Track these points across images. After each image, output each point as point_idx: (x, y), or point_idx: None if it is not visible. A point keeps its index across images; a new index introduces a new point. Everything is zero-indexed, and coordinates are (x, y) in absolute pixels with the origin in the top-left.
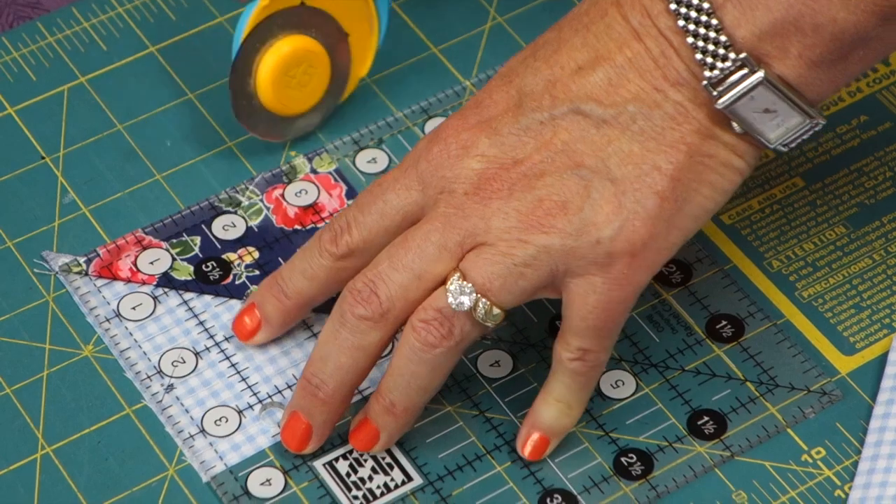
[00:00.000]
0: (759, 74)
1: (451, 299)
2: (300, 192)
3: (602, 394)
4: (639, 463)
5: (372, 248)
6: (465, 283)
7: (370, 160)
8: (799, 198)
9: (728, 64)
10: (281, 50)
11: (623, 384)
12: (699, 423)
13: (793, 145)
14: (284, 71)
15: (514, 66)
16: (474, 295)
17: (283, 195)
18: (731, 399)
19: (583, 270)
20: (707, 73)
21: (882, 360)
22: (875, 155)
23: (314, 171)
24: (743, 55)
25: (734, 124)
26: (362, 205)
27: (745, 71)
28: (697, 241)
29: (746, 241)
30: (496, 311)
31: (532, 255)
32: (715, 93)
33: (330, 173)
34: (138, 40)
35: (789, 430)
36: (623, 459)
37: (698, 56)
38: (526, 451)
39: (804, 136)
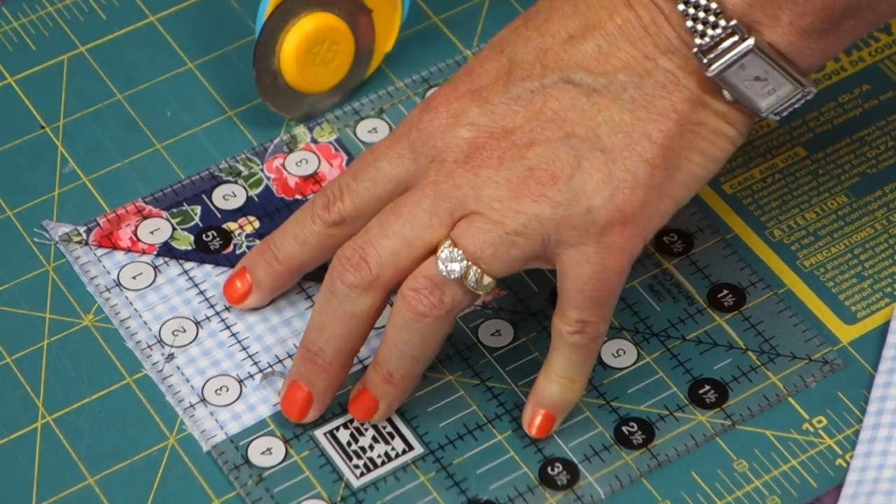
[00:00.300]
0: (750, 42)
1: (441, 267)
2: (301, 161)
3: (603, 363)
4: (640, 432)
5: (364, 215)
6: (456, 250)
7: (371, 130)
8: (801, 167)
9: (718, 31)
10: (304, 28)
11: (624, 353)
12: (700, 392)
13: (784, 114)
14: (308, 49)
15: (505, 35)
16: (465, 262)
17: (283, 165)
18: (732, 368)
19: (575, 241)
20: (697, 41)
21: (883, 330)
22: (877, 124)
23: (315, 141)
24: (733, 22)
25: (725, 92)
26: (355, 172)
27: (735, 38)
28: (699, 210)
29: (748, 211)
30: (487, 279)
31: (524, 223)
32: (705, 60)
33: (330, 143)
34: (138, 9)
35: (790, 399)
36: (624, 428)
37: (689, 23)
38: (533, 429)
39: (796, 105)
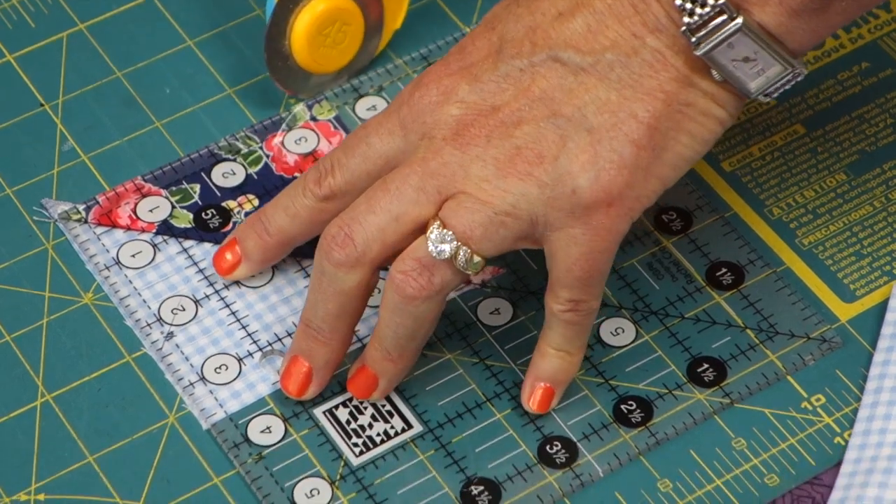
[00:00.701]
0: (738, 21)
1: (431, 247)
2: (300, 139)
3: (602, 341)
4: (638, 410)
5: (354, 190)
6: (445, 230)
7: (370, 108)
8: (799, 145)
9: (707, 10)
10: (315, 9)
11: (623, 332)
12: (699, 370)
13: (775, 95)
14: (319, 30)
15: (498, 11)
16: (455, 243)
17: (282, 143)
18: (730, 346)
19: (562, 223)
20: (686, 19)
21: (882, 308)
22: (876, 102)
23: (314, 119)
24: (722, 1)
25: (714, 72)
26: (347, 147)
27: (724, 17)
28: (698, 188)
29: (747, 189)
30: (477, 258)
31: (512, 203)
32: (694, 39)
33: (330, 121)
34: None
35: (789, 378)
36: (623, 407)
37: (678, 1)
38: (533, 404)
39: (786, 87)
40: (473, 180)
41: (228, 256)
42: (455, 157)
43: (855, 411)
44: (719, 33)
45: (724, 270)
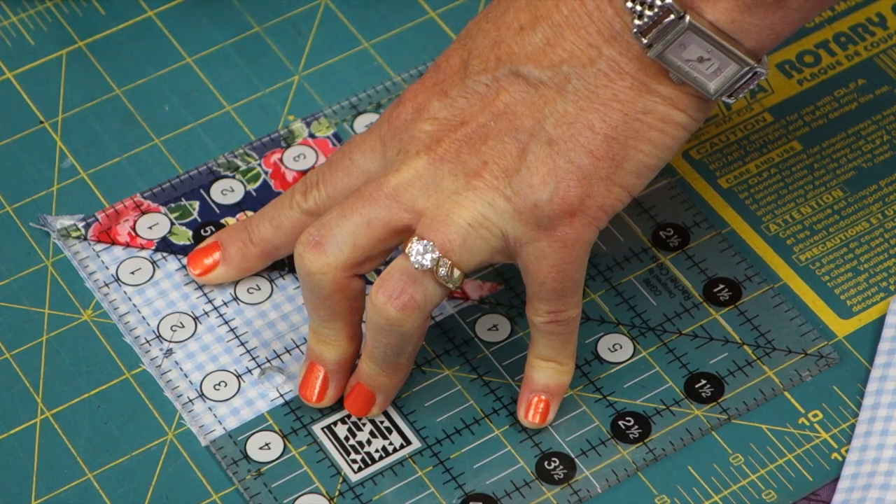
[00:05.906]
0: (685, 21)
1: (413, 259)
2: (298, 156)
3: (600, 357)
4: (636, 426)
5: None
6: (426, 241)
7: (368, 124)
8: (796, 161)
9: (655, 11)
10: None
11: (621, 348)
12: (696, 386)
13: (740, 96)
14: None
15: (469, 27)
16: (436, 253)
17: (281, 159)
18: (728, 362)
19: (529, 237)
20: (636, 22)
21: (879, 323)
22: (872, 118)
23: (312, 136)
24: (669, 1)
25: (671, 75)
26: (332, 163)
27: (672, 17)
28: (695, 204)
29: (744, 205)
30: (457, 272)
31: (483, 214)
32: (645, 41)
33: (328, 137)
34: (136, 5)
35: (786, 393)
36: (621, 423)
37: (629, 4)
38: (530, 416)
39: (749, 86)
40: (445, 193)
41: (208, 260)
42: (428, 170)
43: (852, 427)
44: (669, 34)
45: (721, 286)
